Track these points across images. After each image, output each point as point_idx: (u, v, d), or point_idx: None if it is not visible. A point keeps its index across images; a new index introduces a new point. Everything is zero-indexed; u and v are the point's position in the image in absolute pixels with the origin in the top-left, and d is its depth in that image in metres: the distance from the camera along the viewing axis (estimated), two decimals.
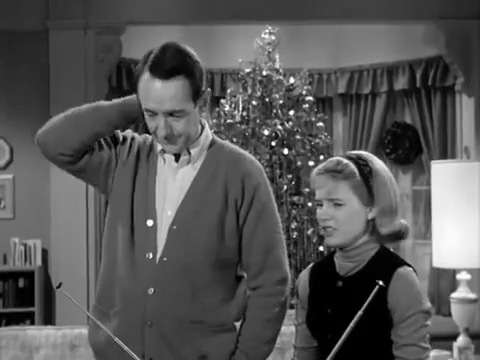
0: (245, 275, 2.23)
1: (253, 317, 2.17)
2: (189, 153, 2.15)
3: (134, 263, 2.11)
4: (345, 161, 2.02)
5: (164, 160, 2.16)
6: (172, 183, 2.15)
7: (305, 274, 2.16)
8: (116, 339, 1.85)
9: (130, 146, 2.21)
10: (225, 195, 2.13)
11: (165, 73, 2.01)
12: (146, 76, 2.03)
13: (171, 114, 2.04)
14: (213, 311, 2.12)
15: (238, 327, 2.20)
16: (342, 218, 2.00)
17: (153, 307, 2.08)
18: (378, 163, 2.05)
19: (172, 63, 2.02)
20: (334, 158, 2.06)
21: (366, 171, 2.01)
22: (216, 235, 2.11)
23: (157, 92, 2.01)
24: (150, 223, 2.12)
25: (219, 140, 2.23)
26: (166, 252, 2.09)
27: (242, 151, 2.23)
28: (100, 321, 2.03)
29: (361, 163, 2.02)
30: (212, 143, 2.20)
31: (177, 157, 2.15)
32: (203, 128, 2.19)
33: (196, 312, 2.10)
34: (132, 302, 2.10)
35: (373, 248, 2.03)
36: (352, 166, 2.00)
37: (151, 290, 2.09)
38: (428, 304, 1.97)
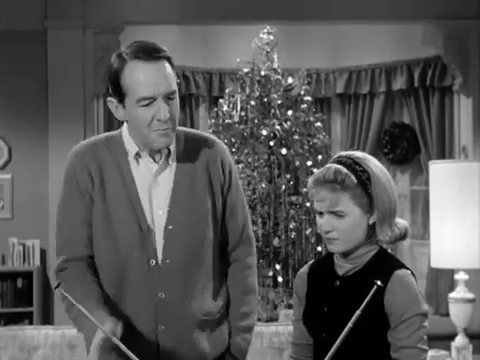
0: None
1: (236, 294, 2.22)
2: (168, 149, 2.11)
3: (140, 272, 2.08)
4: (344, 171, 1.97)
5: (137, 163, 2.11)
6: (154, 183, 2.11)
7: (304, 271, 2.15)
8: (114, 339, 1.85)
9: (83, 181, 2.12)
10: (210, 182, 2.14)
11: (154, 54, 2.00)
12: (133, 65, 2.00)
13: (168, 97, 2.02)
14: (217, 303, 2.16)
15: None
16: (344, 229, 1.98)
17: (165, 310, 2.08)
18: (375, 165, 2.01)
19: (155, 46, 2.03)
20: (331, 166, 2.00)
21: (364, 178, 1.97)
22: (211, 223, 2.12)
23: (152, 74, 1.99)
24: (145, 229, 2.08)
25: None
26: (167, 254, 2.08)
27: (206, 134, 2.25)
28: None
29: (358, 170, 1.98)
30: None
31: (153, 157, 2.11)
32: None
33: (204, 307, 2.12)
34: (144, 311, 2.08)
35: (372, 250, 2.02)
36: (351, 177, 1.96)
37: (161, 294, 2.07)
38: (425, 307, 1.97)
